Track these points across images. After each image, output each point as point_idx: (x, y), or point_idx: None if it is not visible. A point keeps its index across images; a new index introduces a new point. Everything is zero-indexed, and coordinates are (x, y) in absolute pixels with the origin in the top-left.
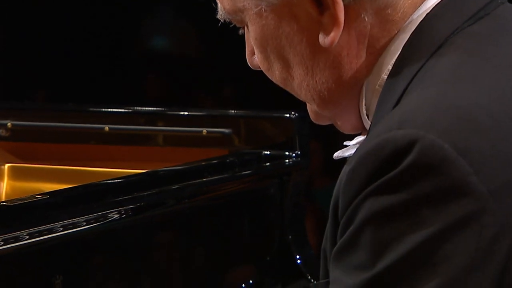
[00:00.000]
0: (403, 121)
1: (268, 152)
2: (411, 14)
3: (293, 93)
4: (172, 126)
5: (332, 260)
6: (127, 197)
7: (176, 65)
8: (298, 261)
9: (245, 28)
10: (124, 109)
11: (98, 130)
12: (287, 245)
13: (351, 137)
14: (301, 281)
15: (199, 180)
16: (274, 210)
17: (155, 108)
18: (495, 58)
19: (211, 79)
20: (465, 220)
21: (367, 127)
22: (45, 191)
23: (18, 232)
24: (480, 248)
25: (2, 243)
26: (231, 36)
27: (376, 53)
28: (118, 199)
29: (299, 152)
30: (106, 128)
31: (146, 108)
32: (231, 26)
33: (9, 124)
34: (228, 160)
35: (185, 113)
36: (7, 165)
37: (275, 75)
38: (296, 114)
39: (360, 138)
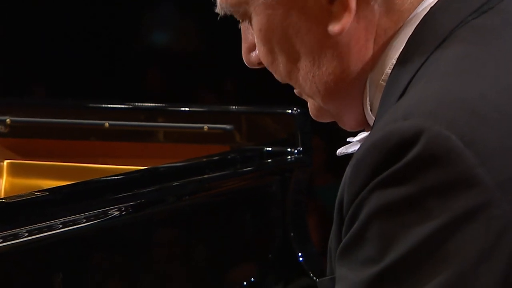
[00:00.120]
0: (409, 112)
1: (270, 149)
2: (416, 7)
3: (296, 87)
4: (172, 122)
5: (338, 257)
6: (127, 194)
7: (177, 61)
8: (300, 258)
9: (243, 23)
10: (125, 105)
11: (98, 126)
12: (289, 243)
13: (354, 134)
14: (303, 279)
15: (200, 177)
16: (276, 207)
17: (156, 104)
18: (499, 52)
19: (212, 75)
20: (473, 212)
21: (371, 122)
22: (45, 188)
23: (17, 229)
24: (488, 241)
25: (1, 240)
26: (232, 31)
27: (381, 46)
28: (118, 196)
29: (301, 149)
30: (106, 124)
31: (147, 104)
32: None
33: (8, 120)
34: (229, 157)
35: (186, 109)
36: (6, 162)
37: (279, 68)
38: (298, 110)
39: (363, 134)
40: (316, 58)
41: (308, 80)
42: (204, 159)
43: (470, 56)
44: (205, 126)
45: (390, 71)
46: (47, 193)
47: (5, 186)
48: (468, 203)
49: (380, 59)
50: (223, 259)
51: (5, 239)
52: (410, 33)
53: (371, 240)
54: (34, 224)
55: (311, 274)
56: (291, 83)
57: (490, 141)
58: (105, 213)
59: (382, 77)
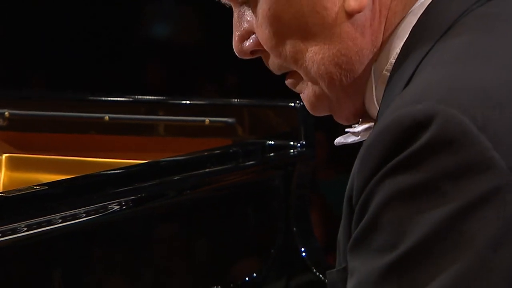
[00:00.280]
0: (421, 96)
1: (273, 142)
2: None
3: (301, 70)
4: (173, 116)
5: (350, 249)
6: (127, 188)
7: (178, 53)
8: (303, 253)
9: (240, 10)
10: (125, 98)
11: (98, 119)
12: (291, 238)
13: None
14: (306, 274)
15: (202, 171)
16: (279, 202)
17: (157, 97)
18: (506, 39)
19: (213, 67)
20: (488, 195)
21: (373, 113)
22: (44, 182)
23: (16, 224)
24: (504, 225)
25: (0, 235)
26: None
27: (388, 32)
28: (119, 190)
29: (304, 142)
30: (106, 117)
31: (147, 97)
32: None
33: (6, 113)
34: (231, 150)
35: (187, 102)
36: (4, 155)
37: (284, 51)
38: (301, 103)
39: (364, 125)
40: (329, 38)
41: (316, 62)
42: (206, 153)
43: (477, 42)
44: (207, 120)
45: (394, 60)
46: (46, 187)
47: (3, 180)
48: (483, 186)
49: (386, 48)
50: (224, 254)
51: (4, 233)
52: (414, 22)
53: (385, 227)
54: (33, 219)
55: (314, 270)
56: (296, 67)
57: (502, 125)
58: (105, 208)
59: (386, 67)
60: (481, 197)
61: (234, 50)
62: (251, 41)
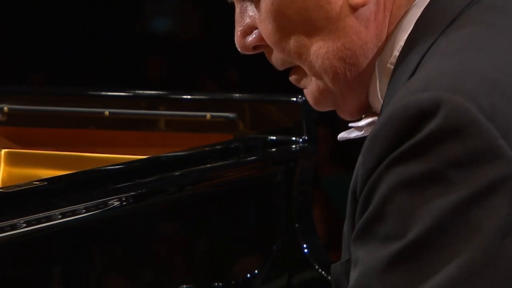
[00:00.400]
0: (427, 85)
1: (274, 138)
2: None
3: (305, 65)
4: (174, 110)
5: (355, 239)
6: (128, 184)
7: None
8: (305, 250)
9: (242, 4)
10: (125, 92)
11: (98, 114)
12: (293, 234)
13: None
14: (308, 271)
15: (203, 167)
16: (280, 198)
17: (157, 92)
18: (510, 31)
19: (215, 62)
20: (496, 184)
21: (377, 107)
22: (43, 178)
23: (15, 220)
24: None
25: None
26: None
27: (393, 25)
28: (119, 186)
29: (306, 138)
30: (106, 112)
31: (148, 92)
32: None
33: (5, 108)
34: (232, 146)
35: (188, 96)
36: (3, 151)
37: (289, 44)
38: (304, 98)
39: (367, 120)
40: (333, 31)
41: (320, 56)
42: (207, 148)
43: (484, 33)
44: (208, 114)
45: (398, 53)
46: (46, 182)
47: (2, 175)
48: (491, 174)
49: (390, 41)
50: (225, 251)
51: (2, 230)
52: (419, 15)
53: (391, 217)
54: (32, 215)
55: (316, 266)
56: (300, 62)
57: (510, 115)
58: (105, 204)
59: (390, 60)
60: (488, 186)
61: (237, 45)
62: (253, 36)
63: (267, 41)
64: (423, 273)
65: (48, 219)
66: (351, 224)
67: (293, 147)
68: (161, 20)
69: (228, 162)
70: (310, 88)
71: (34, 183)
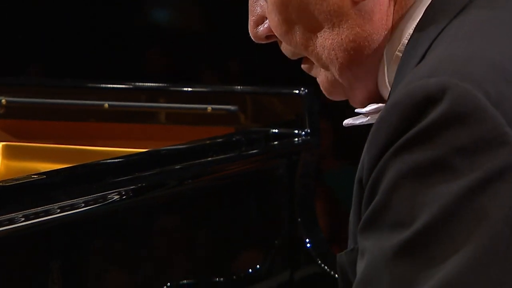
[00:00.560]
0: (434, 70)
1: (276, 130)
2: None
3: (313, 56)
4: (175, 103)
5: (362, 228)
6: (127, 177)
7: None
8: (308, 245)
9: None
10: (125, 84)
11: (97, 107)
12: (296, 228)
13: None
14: (311, 266)
15: (203, 160)
16: (283, 192)
17: (157, 84)
18: None
19: (216, 53)
20: (502, 171)
21: (387, 94)
22: (42, 171)
23: (13, 214)
24: None
25: None
26: (237, 7)
27: (400, 15)
28: (118, 179)
29: (308, 130)
30: (106, 105)
31: (148, 84)
32: None
33: (3, 100)
34: (234, 139)
35: (189, 89)
36: (1, 144)
37: (294, 38)
38: (306, 90)
39: (373, 106)
40: (336, 25)
41: (326, 48)
42: (208, 141)
43: (494, 19)
44: (209, 107)
45: (407, 41)
46: (44, 176)
47: (0, 169)
48: (497, 162)
49: (398, 29)
50: (227, 246)
51: (0, 224)
52: (428, 3)
53: (399, 204)
54: (30, 209)
55: (319, 261)
56: (307, 53)
57: None
58: (104, 198)
59: (398, 48)
60: (494, 173)
61: (250, 35)
62: (265, 26)
63: (275, 33)
64: (431, 262)
65: (47, 213)
66: (357, 213)
67: (295, 140)
68: (162, 10)
69: (229, 155)
70: (320, 78)
71: (33, 176)
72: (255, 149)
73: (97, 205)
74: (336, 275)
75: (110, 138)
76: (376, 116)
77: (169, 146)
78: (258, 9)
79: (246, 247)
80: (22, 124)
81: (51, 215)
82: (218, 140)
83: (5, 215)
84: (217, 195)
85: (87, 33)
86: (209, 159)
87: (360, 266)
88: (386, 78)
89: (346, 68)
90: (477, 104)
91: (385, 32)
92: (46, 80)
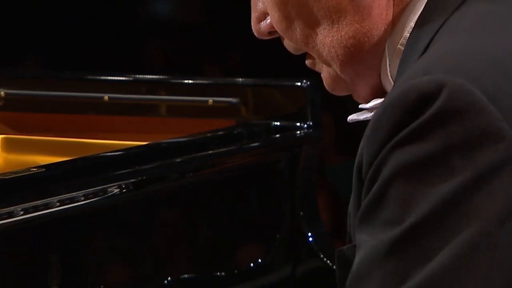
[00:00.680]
0: (429, 67)
1: (278, 123)
2: None
3: (314, 52)
4: (175, 95)
5: (358, 222)
6: (127, 170)
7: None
8: (310, 238)
9: None
10: (125, 77)
11: (97, 99)
12: (298, 222)
13: None
14: (313, 260)
15: (204, 153)
16: (285, 185)
17: (158, 76)
18: None
19: (217, 45)
20: (497, 167)
21: (389, 89)
22: (41, 164)
23: (12, 207)
24: None
25: None
26: (237, 0)
27: (401, 9)
28: (118, 172)
29: (311, 123)
30: (106, 97)
31: (148, 76)
32: None
33: (2, 92)
34: (235, 132)
35: (190, 81)
36: (0, 137)
37: (295, 34)
38: (308, 83)
39: (377, 101)
40: (335, 22)
41: (326, 45)
42: (209, 134)
43: (494, 12)
44: (210, 100)
45: (408, 34)
46: (44, 169)
47: None
48: (492, 157)
49: (399, 23)
50: (228, 240)
51: None
52: None
53: (392, 201)
54: (30, 202)
55: (321, 255)
56: (308, 50)
57: None
58: (104, 191)
59: (400, 41)
60: (489, 170)
61: (253, 30)
62: (267, 21)
63: (276, 29)
64: (420, 260)
65: (46, 206)
66: (357, 205)
67: (297, 133)
68: (163, 2)
69: (230, 148)
70: (324, 74)
71: (32, 169)
72: (257, 142)
73: (97, 198)
74: None
75: (110, 131)
76: None
77: (170, 139)
78: (260, 5)
79: (248, 241)
80: (21, 117)
81: (51, 208)
82: (219, 133)
83: (4, 208)
84: (218, 189)
85: (87, 25)
86: (210, 152)
87: (357, 259)
88: (388, 72)
89: (347, 64)
90: (472, 99)
91: (385, 27)
92: (46, 72)
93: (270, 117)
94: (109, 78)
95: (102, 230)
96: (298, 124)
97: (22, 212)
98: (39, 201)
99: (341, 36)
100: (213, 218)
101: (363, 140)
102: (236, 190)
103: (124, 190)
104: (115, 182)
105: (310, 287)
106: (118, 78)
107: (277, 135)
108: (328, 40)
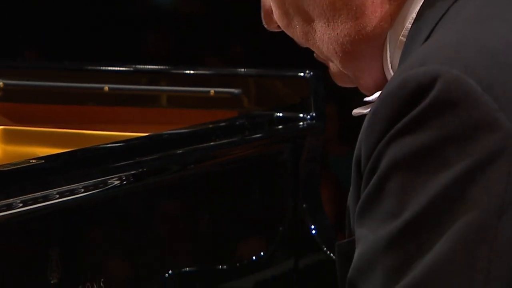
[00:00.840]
0: (425, 58)
1: (281, 114)
2: None
3: (314, 49)
4: (177, 86)
5: (357, 216)
6: (128, 162)
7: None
8: (313, 231)
9: None
10: (125, 67)
11: (97, 90)
12: (300, 214)
13: None
14: (316, 253)
15: (206, 144)
16: (287, 177)
17: (159, 67)
18: None
19: (219, 35)
20: (493, 157)
21: None
22: (40, 156)
23: (11, 200)
24: (509, 189)
25: None
26: None
27: (400, 2)
28: (119, 164)
29: (314, 114)
30: (106, 88)
31: (149, 67)
32: None
33: (1, 83)
34: (237, 123)
35: (191, 71)
36: None
37: (296, 30)
38: (311, 73)
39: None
40: (330, 20)
41: (325, 42)
42: (210, 125)
43: (493, 3)
44: (212, 90)
45: (410, 25)
46: (43, 161)
47: None
48: (488, 147)
49: (400, 15)
50: (230, 232)
51: None
52: None
53: (389, 194)
54: (29, 194)
55: (325, 248)
56: (309, 46)
57: (509, 86)
58: (104, 183)
59: (402, 33)
60: (486, 159)
61: (264, 24)
62: (274, 16)
63: (279, 25)
64: (419, 252)
65: (46, 198)
66: (356, 197)
67: (300, 124)
68: None
69: (232, 139)
70: (330, 67)
71: (31, 161)
72: (259, 133)
73: (97, 190)
74: None
75: (111, 122)
76: None
77: (171, 130)
78: (267, 0)
79: (250, 234)
80: (20, 108)
81: (50, 200)
82: (221, 124)
83: (3, 200)
84: (220, 181)
85: (86, 14)
86: (212, 143)
87: (356, 252)
88: (389, 64)
89: (346, 60)
90: (467, 89)
91: (382, 23)
92: (45, 63)
93: (273, 108)
94: (109, 68)
95: (102, 222)
96: (301, 115)
97: (21, 204)
98: (38, 193)
99: (337, 33)
100: (215, 210)
101: (361, 133)
102: (238, 182)
103: (125, 182)
104: (115, 174)
105: (313, 280)
106: (119, 68)
107: (280, 126)
108: (326, 37)
